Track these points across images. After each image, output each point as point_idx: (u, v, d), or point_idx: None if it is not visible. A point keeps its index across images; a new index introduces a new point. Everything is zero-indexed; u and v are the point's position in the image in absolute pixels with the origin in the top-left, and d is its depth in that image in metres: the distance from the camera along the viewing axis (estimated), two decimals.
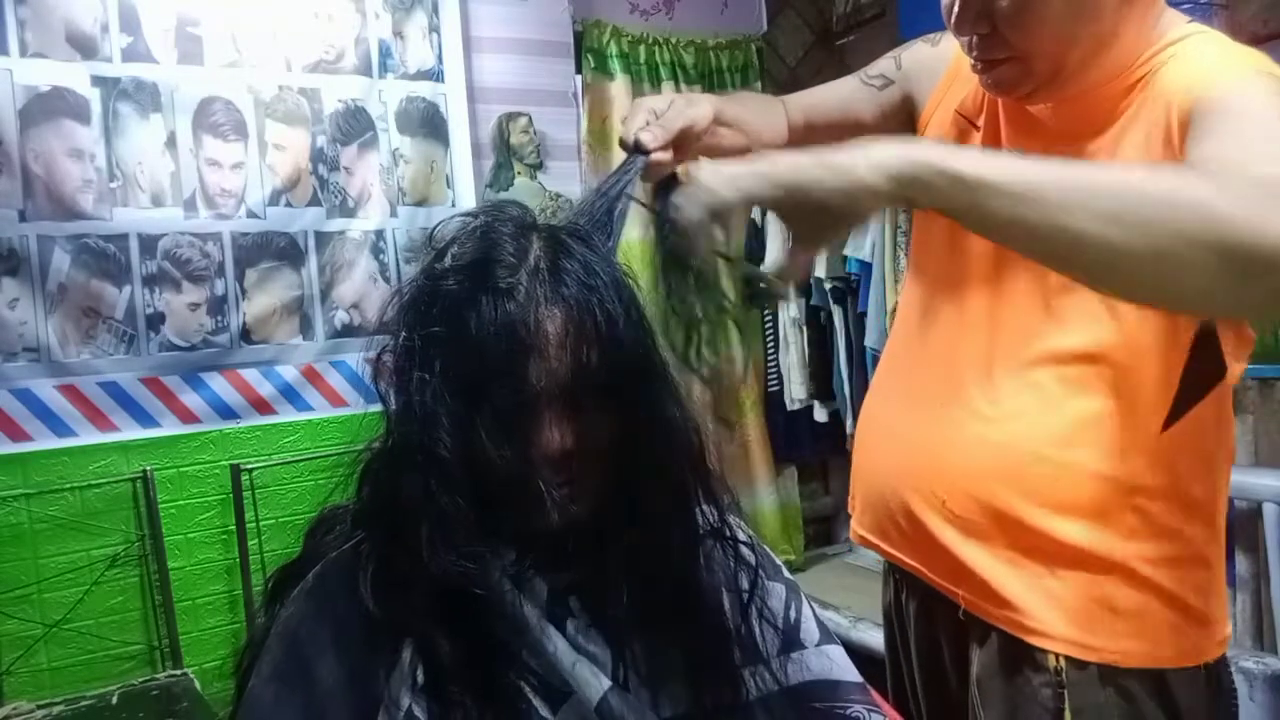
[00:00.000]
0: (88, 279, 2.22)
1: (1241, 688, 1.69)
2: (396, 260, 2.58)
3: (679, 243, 0.72)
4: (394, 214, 2.58)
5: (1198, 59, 0.84)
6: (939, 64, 1.08)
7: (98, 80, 2.24)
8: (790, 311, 2.96)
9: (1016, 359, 0.94)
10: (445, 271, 0.73)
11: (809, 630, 0.82)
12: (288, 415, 2.47)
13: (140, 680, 2.16)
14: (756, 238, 3.04)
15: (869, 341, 2.57)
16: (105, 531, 2.26)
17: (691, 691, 0.74)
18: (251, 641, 0.78)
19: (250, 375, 2.42)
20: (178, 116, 2.32)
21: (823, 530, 3.39)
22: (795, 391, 2.99)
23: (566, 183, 2.85)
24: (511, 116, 2.78)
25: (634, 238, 2.48)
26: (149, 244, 2.30)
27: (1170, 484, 0.90)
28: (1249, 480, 1.88)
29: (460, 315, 0.69)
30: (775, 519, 3.11)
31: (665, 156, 0.86)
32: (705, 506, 0.79)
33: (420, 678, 0.69)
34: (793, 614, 0.83)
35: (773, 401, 3.09)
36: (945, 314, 1.02)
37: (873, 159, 0.67)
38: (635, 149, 0.84)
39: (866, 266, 2.57)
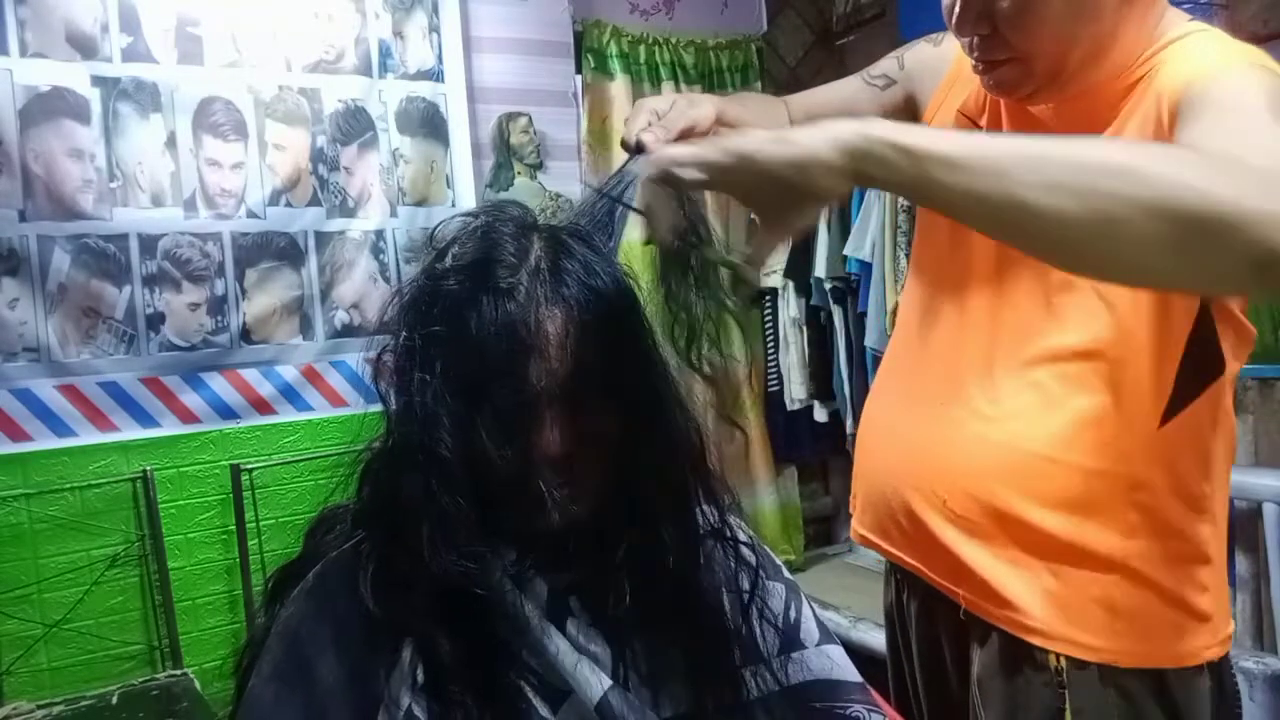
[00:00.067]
0: (88, 279, 2.22)
1: (1241, 688, 1.68)
2: (396, 260, 2.58)
3: (652, 227, 0.72)
4: (394, 214, 2.58)
5: (1195, 55, 0.84)
6: (941, 64, 1.08)
7: (98, 80, 2.24)
8: (790, 311, 2.96)
9: (1017, 358, 0.94)
10: (446, 271, 0.73)
11: (809, 630, 0.82)
12: (288, 415, 2.47)
13: (140, 680, 2.16)
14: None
15: (869, 341, 2.57)
16: (105, 531, 2.26)
17: (692, 691, 0.74)
18: (251, 641, 0.78)
19: (250, 375, 2.42)
20: (178, 116, 2.32)
21: (823, 530, 3.39)
22: (795, 391, 2.99)
23: (566, 183, 2.85)
24: (511, 116, 2.78)
25: (635, 238, 2.48)
26: (149, 244, 2.30)
27: (1171, 481, 0.90)
28: (1249, 480, 1.88)
29: (461, 315, 0.69)
30: (775, 519, 3.11)
31: None
32: (705, 507, 0.79)
33: (420, 677, 0.69)
34: (793, 614, 0.83)
35: (773, 401, 3.09)
36: (947, 314, 1.02)
37: (828, 133, 0.67)
38: (637, 150, 0.84)
39: (866, 266, 2.57)
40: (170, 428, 2.33)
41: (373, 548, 0.74)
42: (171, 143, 2.32)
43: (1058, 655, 0.91)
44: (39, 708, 2.01)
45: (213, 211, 2.36)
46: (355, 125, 2.53)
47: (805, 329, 2.93)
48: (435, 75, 2.63)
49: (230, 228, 2.38)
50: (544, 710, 0.71)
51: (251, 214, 2.40)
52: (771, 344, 3.07)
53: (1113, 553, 0.90)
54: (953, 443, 0.97)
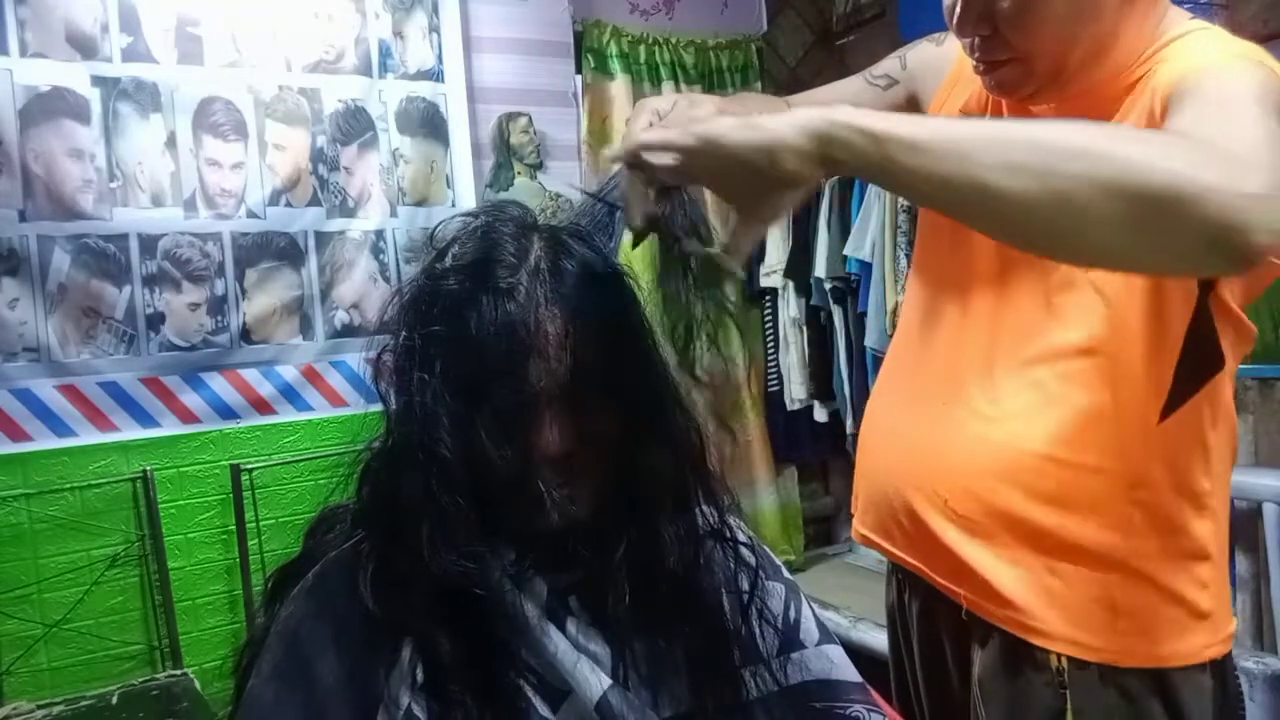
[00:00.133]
0: (88, 279, 2.22)
1: (1242, 687, 1.69)
2: (396, 260, 2.58)
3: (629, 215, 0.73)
4: (394, 214, 2.58)
5: (1194, 51, 0.84)
6: (943, 64, 1.08)
7: (98, 80, 2.24)
8: (790, 311, 2.96)
9: (1017, 357, 0.94)
10: (446, 271, 0.73)
11: (809, 630, 0.82)
12: (288, 415, 2.47)
13: (140, 680, 2.16)
14: None
15: (869, 341, 2.57)
16: (105, 531, 2.26)
17: (691, 691, 0.74)
18: (251, 641, 0.78)
19: (250, 375, 2.43)
20: (178, 116, 2.32)
21: (823, 530, 3.39)
22: (795, 391, 2.98)
23: (567, 183, 2.85)
24: (511, 116, 2.78)
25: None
26: (149, 244, 2.30)
27: (1171, 478, 0.90)
28: (1249, 480, 1.88)
29: (460, 315, 0.70)
30: (775, 519, 3.11)
31: None
32: (705, 507, 0.79)
33: (420, 676, 0.69)
34: (792, 614, 0.83)
35: (773, 401, 3.09)
36: (949, 315, 1.02)
37: (794, 118, 0.67)
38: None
39: (866, 266, 2.57)
40: (170, 428, 2.33)
41: (372, 547, 0.74)
42: (171, 143, 2.32)
43: (1058, 655, 0.91)
44: (39, 708, 2.01)
45: (213, 211, 2.36)
46: (355, 125, 2.53)
47: (805, 329, 2.93)
48: (435, 75, 2.63)
49: (230, 228, 2.38)
50: (544, 710, 0.71)
51: (251, 214, 2.40)
52: (771, 344, 3.07)
53: (1113, 551, 0.90)
54: (954, 443, 0.97)
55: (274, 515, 2.43)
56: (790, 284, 2.94)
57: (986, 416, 0.95)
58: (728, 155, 0.68)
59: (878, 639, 2.22)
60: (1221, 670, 0.93)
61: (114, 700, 2.05)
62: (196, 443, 2.37)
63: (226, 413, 2.39)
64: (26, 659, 2.16)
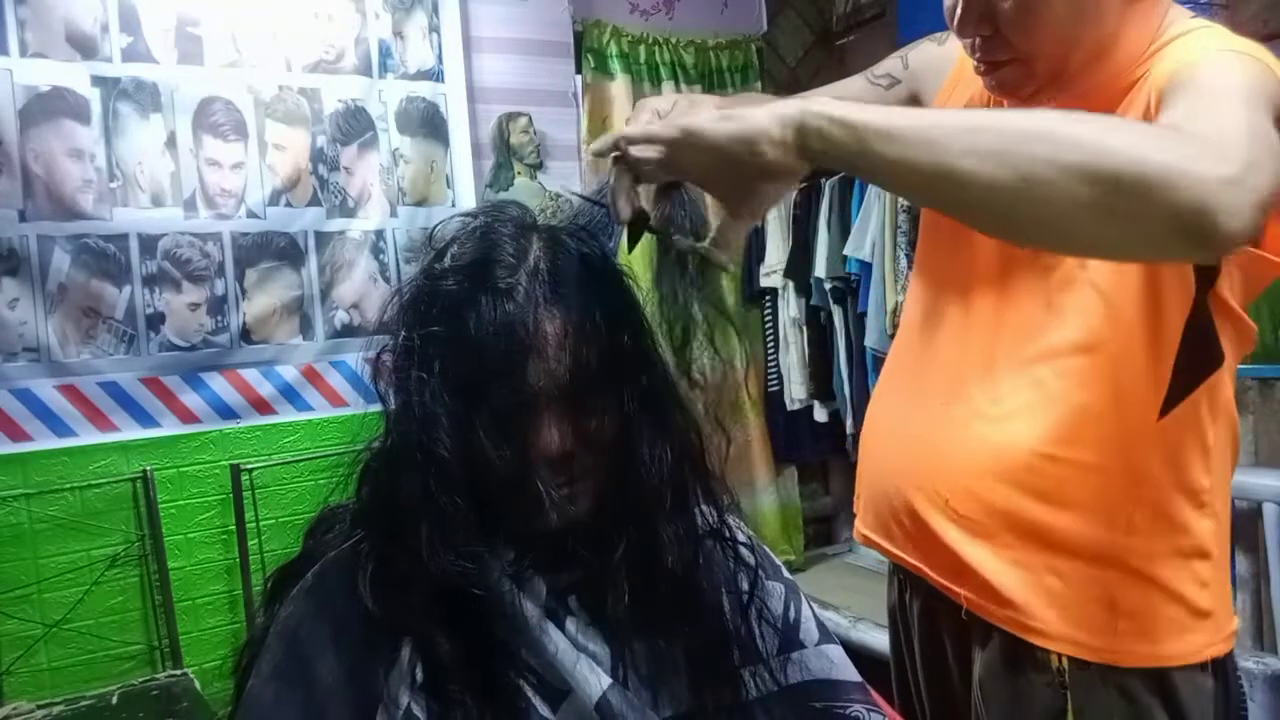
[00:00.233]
0: (88, 279, 2.22)
1: (1243, 687, 1.69)
2: (396, 260, 2.58)
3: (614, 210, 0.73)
4: (394, 214, 2.58)
5: (1193, 47, 0.84)
6: (945, 63, 1.08)
7: (98, 80, 2.24)
8: (790, 311, 2.96)
9: (1018, 356, 0.94)
10: (445, 271, 0.73)
11: (808, 630, 0.82)
12: (288, 415, 2.47)
13: (140, 680, 2.16)
14: (756, 237, 3.05)
15: (869, 341, 2.57)
16: (105, 531, 2.26)
17: (691, 691, 0.74)
18: (251, 641, 0.78)
19: (250, 375, 2.43)
20: (178, 116, 2.32)
21: (823, 530, 3.39)
22: (795, 391, 2.98)
23: (566, 183, 2.85)
24: (511, 116, 2.78)
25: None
26: (149, 244, 2.30)
27: (1171, 475, 0.90)
28: (1249, 480, 1.88)
29: (460, 315, 0.70)
30: (775, 519, 3.11)
31: None
32: (705, 507, 0.79)
33: (419, 676, 0.69)
34: (792, 614, 0.83)
35: (773, 401, 3.09)
36: (951, 315, 1.03)
37: (772, 109, 0.69)
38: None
39: (866, 266, 2.57)
40: (170, 428, 2.33)
41: (372, 547, 0.74)
42: (171, 143, 2.32)
43: (1059, 655, 0.91)
44: (39, 708, 2.01)
45: (213, 211, 2.36)
46: (355, 125, 2.53)
47: (805, 329, 2.93)
48: (435, 75, 2.63)
49: (230, 228, 2.38)
50: (543, 709, 0.71)
51: (251, 214, 2.40)
52: (771, 344, 3.07)
53: (1113, 549, 0.90)
54: (955, 442, 0.97)
55: (274, 515, 2.43)
56: (790, 284, 2.94)
57: (988, 416, 0.95)
58: (708, 146, 0.69)
59: (878, 639, 2.22)
60: (1223, 669, 0.93)
61: (114, 700, 2.05)
62: (196, 443, 2.37)
63: (226, 413, 2.39)
64: (26, 659, 2.16)
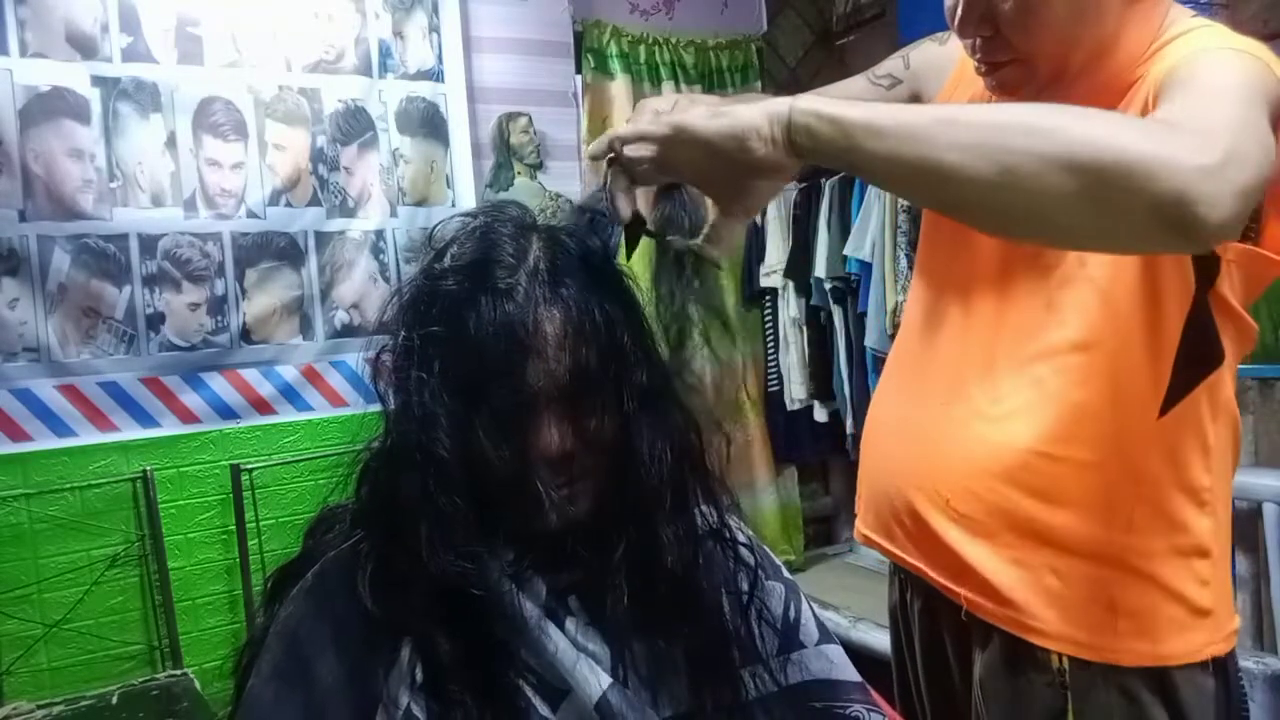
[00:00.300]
0: (88, 279, 2.23)
1: (1244, 686, 1.69)
2: (396, 260, 2.58)
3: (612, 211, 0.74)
4: (394, 214, 2.58)
5: (1191, 45, 0.84)
6: (947, 63, 1.08)
7: (98, 80, 2.24)
8: (790, 311, 2.96)
9: (1018, 356, 0.94)
10: (445, 271, 0.73)
11: (808, 630, 0.82)
12: (288, 415, 2.47)
13: (140, 680, 2.17)
14: (756, 237, 3.05)
15: (869, 341, 2.57)
16: (105, 531, 2.26)
17: (691, 691, 0.74)
18: (251, 641, 0.78)
19: (250, 375, 2.43)
20: (178, 116, 2.32)
21: (823, 530, 3.39)
22: (795, 391, 2.98)
23: (566, 183, 2.85)
24: (511, 116, 2.78)
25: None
26: (149, 244, 2.30)
27: (1171, 474, 0.90)
28: (1249, 480, 1.88)
29: (459, 315, 0.69)
30: (775, 519, 3.11)
31: None
32: (705, 507, 0.79)
33: (419, 676, 0.69)
34: (792, 614, 0.83)
35: (773, 401, 3.09)
36: (952, 316, 1.03)
37: (762, 106, 0.69)
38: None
39: (866, 266, 2.57)
40: (170, 428, 2.33)
41: (371, 547, 0.74)
42: (171, 143, 2.32)
43: (1059, 655, 0.91)
44: (39, 708, 2.01)
45: (213, 211, 2.36)
46: (355, 125, 2.53)
47: (805, 329, 2.93)
48: (435, 75, 2.63)
49: (230, 228, 2.38)
50: (543, 709, 0.71)
51: (251, 214, 2.40)
52: (771, 344, 3.07)
53: (1113, 547, 0.90)
54: (955, 442, 0.97)
55: (274, 515, 2.43)
56: (790, 284, 2.94)
57: (988, 415, 0.95)
58: (699, 142, 0.69)
59: (878, 639, 2.22)
60: (1224, 669, 0.93)
61: (114, 700, 2.05)
62: (196, 443, 2.37)
63: (226, 413, 2.39)
64: (26, 659, 2.16)
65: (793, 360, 2.98)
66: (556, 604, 0.73)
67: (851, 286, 2.70)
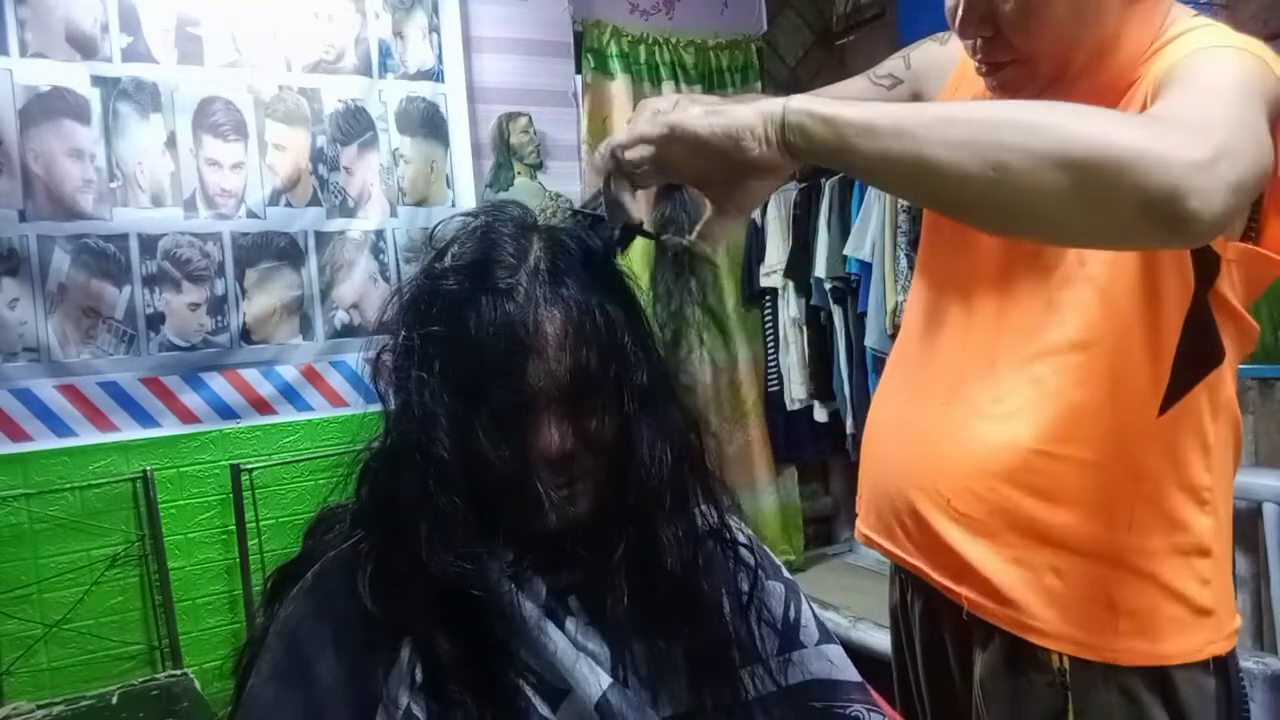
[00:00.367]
0: (88, 279, 2.23)
1: (1245, 686, 1.68)
2: (396, 260, 2.58)
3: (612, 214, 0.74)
4: (394, 214, 2.58)
5: (1191, 43, 0.84)
6: (948, 63, 1.08)
7: (98, 80, 2.24)
8: (790, 311, 2.96)
9: (1018, 355, 0.94)
10: (445, 271, 0.73)
11: (808, 630, 0.82)
12: (288, 415, 2.47)
13: (140, 680, 2.17)
14: (756, 237, 3.05)
15: (869, 341, 2.57)
16: (105, 531, 2.26)
17: (691, 691, 0.74)
18: (251, 640, 0.78)
19: (250, 375, 2.43)
20: (178, 116, 2.32)
21: (823, 530, 3.39)
22: (795, 391, 2.98)
23: (566, 183, 2.85)
24: (511, 116, 2.78)
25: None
26: (149, 244, 2.30)
27: (1171, 472, 0.90)
28: (1249, 480, 1.88)
29: (460, 315, 0.69)
30: (775, 519, 3.11)
31: None
32: (705, 507, 0.79)
33: (419, 676, 0.69)
34: (792, 614, 0.83)
35: (773, 401, 3.09)
36: (953, 316, 1.03)
37: (756, 106, 0.70)
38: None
39: (866, 266, 2.57)
40: (170, 428, 2.33)
41: (371, 547, 0.74)
42: (171, 143, 2.32)
43: (1060, 655, 0.91)
44: (39, 708, 2.01)
45: (213, 211, 2.36)
46: (355, 125, 2.53)
47: (805, 329, 2.93)
48: (435, 75, 2.63)
49: (230, 228, 2.38)
50: (543, 709, 0.71)
51: (251, 214, 2.40)
52: (771, 344, 3.07)
53: (1113, 547, 0.90)
54: (956, 442, 0.97)
55: (274, 515, 2.43)
56: (790, 284, 2.94)
57: (988, 415, 0.95)
58: (694, 141, 0.70)
59: (878, 639, 2.22)
60: (1224, 668, 0.92)
61: (114, 700, 2.05)
62: (196, 443, 2.37)
63: (226, 413, 2.39)
64: (26, 659, 2.16)
65: (793, 360, 2.98)
66: (556, 604, 0.73)
67: (851, 286, 2.70)
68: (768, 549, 0.87)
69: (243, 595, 2.38)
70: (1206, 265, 0.85)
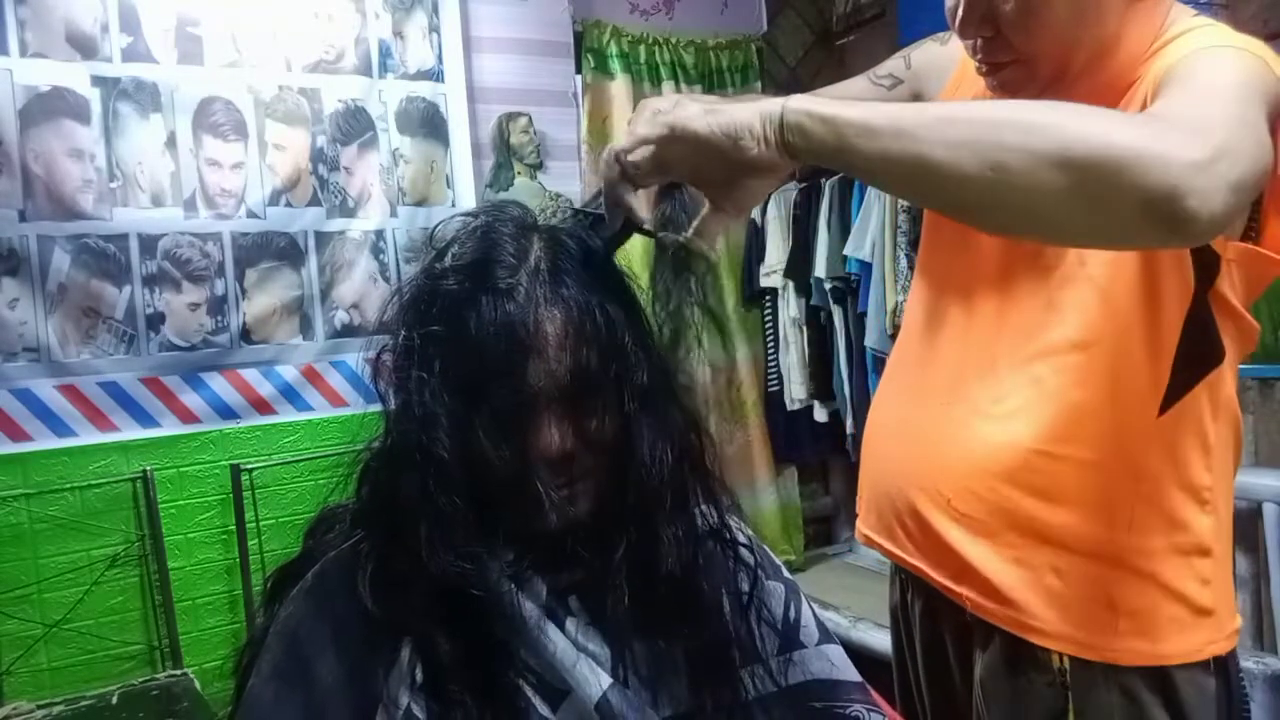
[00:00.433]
0: (88, 279, 2.22)
1: (1245, 686, 1.68)
2: (396, 260, 2.58)
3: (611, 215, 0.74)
4: (394, 214, 2.58)
5: (1191, 43, 0.84)
6: (948, 63, 1.08)
7: (98, 80, 2.24)
8: (790, 311, 2.96)
9: (1018, 355, 0.94)
10: (445, 271, 0.73)
11: (808, 630, 0.82)
12: (288, 415, 2.47)
13: (140, 680, 2.16)
14: (756, 237, 3.05)
15: (869, 341, 2.57)
16: (105, 531, 2.26)
17: (691, 691, 0.74)
18: (251, 641, 0.78)
19: (250, 375, 2.43)
20: (178, 116, 2.32)
21: (823, 530, 3.39)
22: (795, 391, 2.98)
23: (566, 183, 2.85)
24: (511, 116, 2.78)
25: (635, 238, 2.48)
26: (149, 244, 2.30)
27: (1171, 472, 0.90)
28: (1249, 480, 1.88)
29: (460, 315, 0.69)
30: (775, 519, 3.11)
31: None
32: (705, 507, 0.79)
33: (419, 676, 0.69)
34: (792, 614, 0.83)
35: (773, 401, 3.09)
36: (953, 316, 1.03)
37: (756, 105, 0.70)
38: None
39: (866, 266, 2.57)
40: (170, 428, 2.33)
41: (371, 547, 0.74)
42: (171, 143, 2.32)
43: (1060, 655, 0.91)
44: (39, 708, 2.01)
45: (213, 211, 2.36)
46: (355, 125, 2.53)
47: (805, 329, 2.93)
48: (435, 75, 2.63)
49: (230, 228, 2.38)
50: (543, 709, 0.71)
51: (251, 214, 2.40)
52: (771, 344, 3.07)
53: (1114, 546, 0.90)
54: (957, 442, 0.97)
55: (274, 515, 2.43)
56: (790, 284, 2.94)
57: (989, 415, 0.95)
58: (694, 139, 0.70)
59: (878, 639, 2.22)
60: (1225, 668, 0.92)
61: (114, 700, 2.05)
62: (196, 443, 2.37)
63: (226, 413, 2.39)
64: (26, 659, 2.16)
65: (793, 360, 2.98)
66: (556, 604, 0.73)
67: (851, 286, 2.70)
68: (768, 549, 0.87)
69: (243, 595, 2.38)
70: (1207, 265, 0.85)
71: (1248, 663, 1.74)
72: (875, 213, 2.51)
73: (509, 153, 2.77)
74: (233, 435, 2.40)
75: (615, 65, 2.93)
